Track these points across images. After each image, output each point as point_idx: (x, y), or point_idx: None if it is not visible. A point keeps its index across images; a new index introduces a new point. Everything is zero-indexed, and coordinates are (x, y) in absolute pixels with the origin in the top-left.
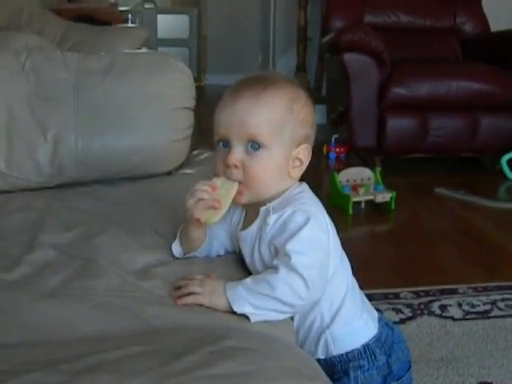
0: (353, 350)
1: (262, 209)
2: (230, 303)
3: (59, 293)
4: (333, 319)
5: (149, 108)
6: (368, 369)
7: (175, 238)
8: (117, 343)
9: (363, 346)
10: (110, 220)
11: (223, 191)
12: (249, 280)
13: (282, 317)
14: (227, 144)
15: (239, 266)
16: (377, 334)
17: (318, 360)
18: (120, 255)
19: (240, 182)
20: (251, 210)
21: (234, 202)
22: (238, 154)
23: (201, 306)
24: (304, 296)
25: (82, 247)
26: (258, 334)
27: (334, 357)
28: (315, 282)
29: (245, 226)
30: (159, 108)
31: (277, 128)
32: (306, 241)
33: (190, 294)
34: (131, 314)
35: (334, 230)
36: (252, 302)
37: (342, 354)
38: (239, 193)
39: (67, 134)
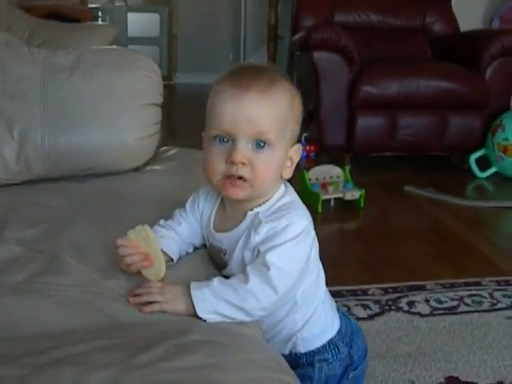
0: (319, 347)
1: (250, 213)
2: (193, 305)
3: (24, 288)
4: (304, 324)
5: (116, 104)
6: (332, 361)
7: None
8: (81, 337)
9: (328, 341)
10: (77, 216)
11: (143, 242)
12: (216, 283)
13: (236, 321)
14: (226, 140)
15: (209, 262)
16: (339, 327)
17: (283, 355)
18: (86, 251)
19: (244, 180)
20: (233, 212)
21: (232, 197)
22: (244, 150)
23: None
24: (269, 307)
25: (47, 243)
26: (223, 328)
27: (300, 353)
28: (284, 295)
29: (223, 227)
30: (126, 104)
31: (281, 126)
32: (288, 255)
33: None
34: (96, 309)
35: (316, 240)
36: (216, 307)
37: (308, 351)
38: (240, 188)
39: (34, 131)
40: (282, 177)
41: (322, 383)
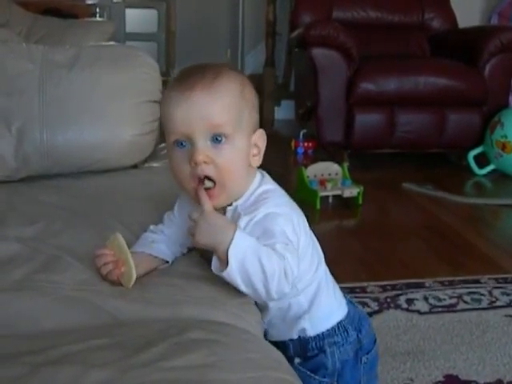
0: (328, 329)
1: (230, 209)
2: (230, 242)
3: (22, 286)
4: (310, 305)
5: (114, 101)
6: (342, 344)
7: (140, 230)
8: (80, 336)
9: (337, 323)
10: (75, 213)
11: (116, 249)
12: (256, 241)
13: (244, 290)
14: (185, 143)
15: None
16: (347, 310)
17: (291, 339)
18: (84, 249)
19: (214, 183)
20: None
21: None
22: (204, 149)
23: None
24: (281, 293)
25: (46, 241)
26: (223, 326)
27: (309, 336)
28: (290, 283)
29: None
30: (125, 101)
31: (236, 116)
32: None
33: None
34: (95, 307)
35: (305, 220)
36: (247, 257)
37: (317, 334)
38: (213, 196)
39: (32, 127)
40: (252, 166)
41: (338, 370)
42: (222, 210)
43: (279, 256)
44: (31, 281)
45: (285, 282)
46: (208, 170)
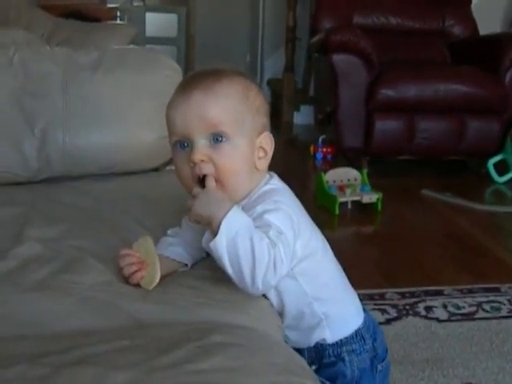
0: (346, 336)
1: None
2: (224, 216)
3: (45, 286)
4: (328, 314)
5: (137, 104)
6: (360, 352)
7: (161, 234)
8: (103, 337)
9: (355, 331)
10: (97, 215)
11: (143, 252)
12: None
13: (229, 271)
14: (186, 144)
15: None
16: (364, 319)
17: (308, 348)
18: (105, 251)
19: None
20: None
21: None
22: (202, 148)
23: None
24: (268, 285)
25: (68, 242)
26: (246, 330)
27: (326, 344)
28: (278, 277)
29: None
30: (147, 104)
31: (236, 117)
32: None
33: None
34: (117, 308)
35: (308, 224)
36: (239, 235)
37: (335, 342)
38: None
39: (55, 129)
40: (258, 169)
41: (356, 378)
42: None
43: (271, 242)
44: (53, 281)
45: (273, 274)
46: (206, 169)
